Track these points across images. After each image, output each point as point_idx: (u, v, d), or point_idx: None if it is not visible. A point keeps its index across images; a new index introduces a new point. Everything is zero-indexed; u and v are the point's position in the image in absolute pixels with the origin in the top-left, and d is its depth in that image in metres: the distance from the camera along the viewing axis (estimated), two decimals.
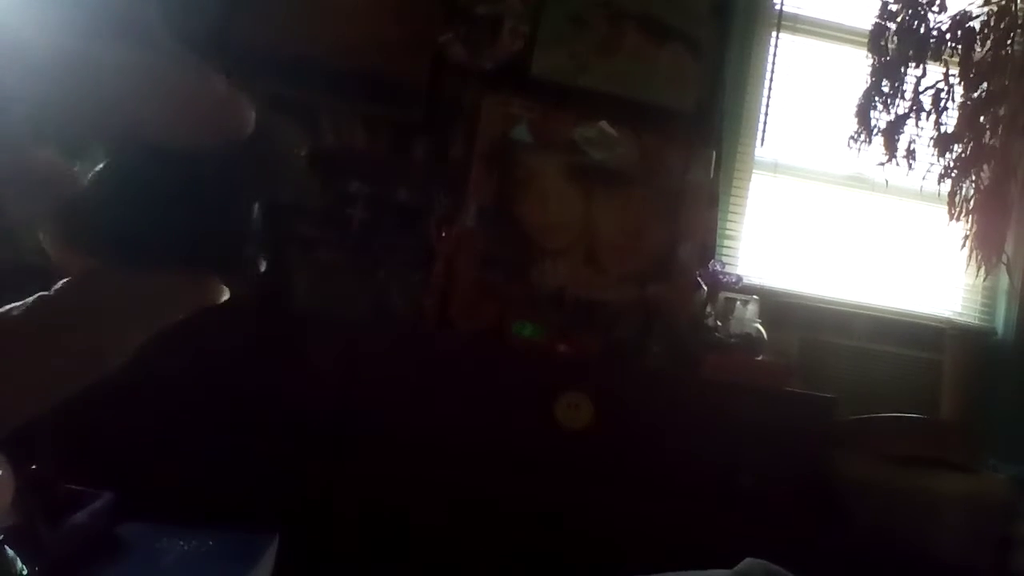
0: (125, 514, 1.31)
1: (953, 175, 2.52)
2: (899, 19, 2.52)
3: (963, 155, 2.51)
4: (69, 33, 0.22)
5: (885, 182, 2.56)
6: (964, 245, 2.54)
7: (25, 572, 0.94)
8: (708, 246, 2.43)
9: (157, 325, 0.25)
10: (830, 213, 2.72)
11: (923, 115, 2.53)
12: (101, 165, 0.24)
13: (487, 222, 2.26)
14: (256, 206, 0.26)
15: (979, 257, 2.51)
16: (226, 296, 0.26)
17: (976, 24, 2.51)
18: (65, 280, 0.24)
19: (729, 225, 2.62)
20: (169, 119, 0.23)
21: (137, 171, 0.24)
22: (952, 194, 2.53)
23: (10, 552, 0.94)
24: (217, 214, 0.25)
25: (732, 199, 2.63)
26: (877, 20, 2.54)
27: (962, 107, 2.52)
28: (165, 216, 0.24)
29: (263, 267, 0.26)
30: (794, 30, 2.70)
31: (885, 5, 2.54)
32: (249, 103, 0.25)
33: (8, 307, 0.23)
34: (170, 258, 0.24)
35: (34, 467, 1.11)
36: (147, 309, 0.25)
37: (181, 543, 1.29)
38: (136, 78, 0.23)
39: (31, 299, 0.23)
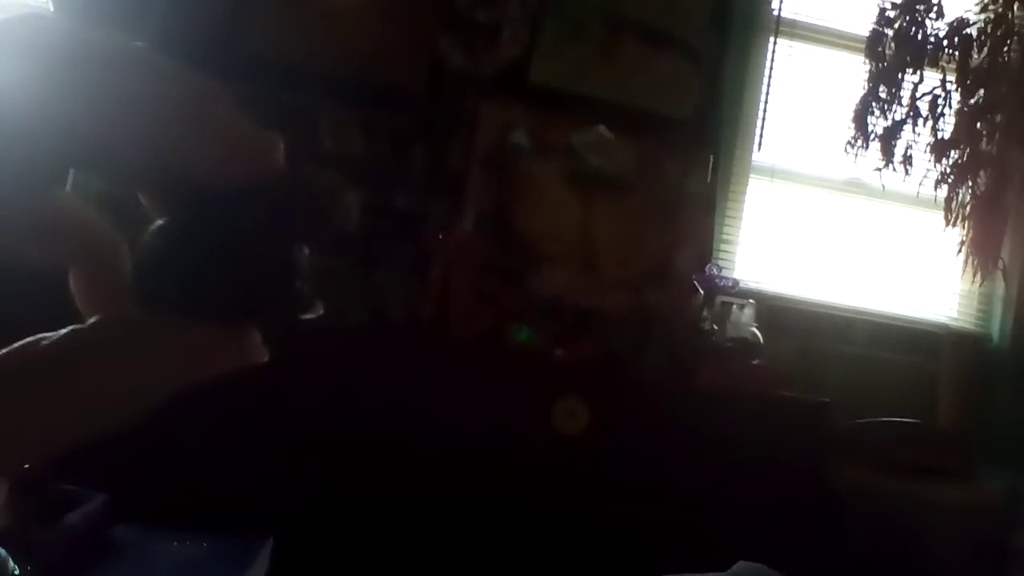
0: (119, 516, 1.32)
1: (950, 181, 2.53)
2: (896, 25, 2.53)
3: (960, 161, 2.51)
4: (97, 68, 0.22)
5: (882, 188, 2.57)
6: (960, 251, 2.55)
7: (17, 573, 0.95)
8: (705, 251, 2.44)
9: (190, 378, 0.24)
10: (827, 218, 2.72)
11: (920, 121, 2.54)
12: (157, 223, 0.24)
13: (485, 228, 2.26)
14: (304, 253, 0.25)
15: (975, 263, 2.51)
16: (265, 359, 0.25)
17: (973, 31, 2.52)
18: (99, 318, 0.23)
19: (726, 230, 2.63)
20: (201, 151, 0.23)
21: (180, 221, 0.23)
22: (948, 200, 2.53)
23: (2, 553, 0.94)
24: (264, 261, 0.24)
25: (729, 204, 2.63)
26: (875, 26, 2.55)
27: (959, 113, 2.53)
28: (209, 268, 0.23)
29: (317, 308, 0.25)
30: (792, 36, 2.71)
31: (883, 12, 2.54)
32: (276, 137, 0.24)
33: (38, 337, 0.22)
34: (212, 311, 0.23)
35: (27, 468, 1.11)
36: (181, 361, 0.24)
37: (175, 545, 1.30)
38: (166, 110, 0.22)
39: (63, 332, 0.22)
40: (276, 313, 0.25)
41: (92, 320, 0.23)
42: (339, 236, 0.25)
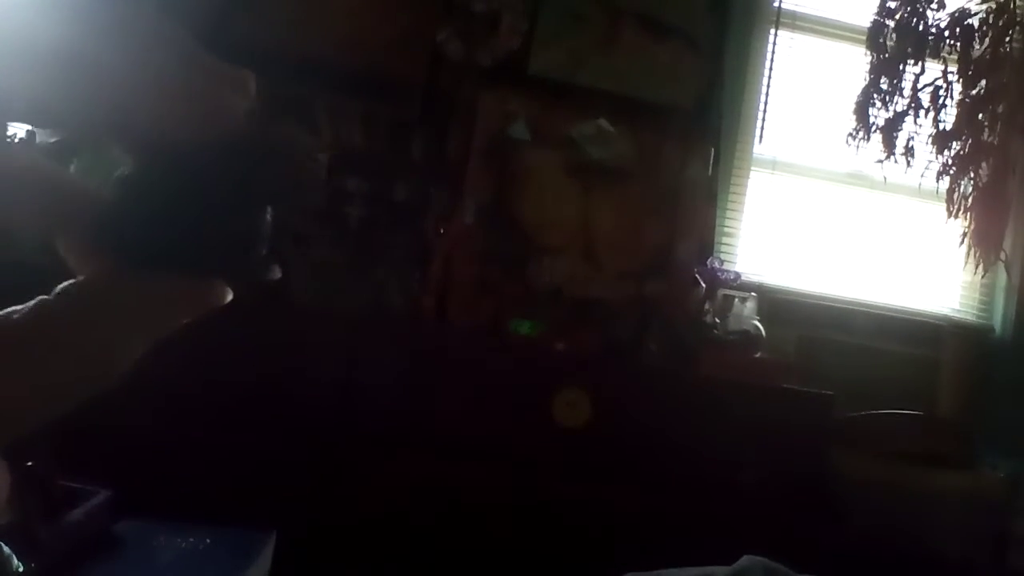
0: (122, 511, 1.31)
1: (951, 172, 2.52)
2: (898, 16, 2.52)
3: (961, 152, 2.51)
4: (68, 30, 0.22)
5: (883, 179, 2.56)
6: (962, 242, 2.54)
7: (22, 569, 0.94)
8: (706, 243, 2.43)
9: (161, 330, 0.24)
10: (828, 210, 2.72)
11: (922, 112, 2.53)
12: (120, 172, 0.24)
13: (485, 219, 2.26)
14: (268, 210, 0.25)
15: (977, 254, 2.50)
16: (229, 299, 0.26)
17: (975, 21, 2.51)
18: (66, 284, 0.24)
19: (727, 222, 2.62)
20: (167, 104, 0.23)
21: (144, 175, 0.24)
22: (950, 191, 2.53)
23: (6, 549, 0.93)
24: (226, 218, 0.24)
25: (730, 196, 2.63)
26: (876, 17, 2.54)
27: (960, 104, 2.52)
28: (172, 221, 0.23)
29: (275, 271, 0.26)
30: (793, 27, 2.70)
31: (884, 2, 2.53)
32: (248, 77, 0.24)
33: (8, 310, 0.22)
34: (175, 262, 0.24)
35: (31, 464, 1.10)
36: (151, 314, 0.24)
37: (178, 540, 1.29)
38: (132, 69, 0.22)
39: (31, 303, 0.23)
40: (233, 272, 0.25)
41: (57, 288, 0.24)
42: (306, 199, 0.26)
